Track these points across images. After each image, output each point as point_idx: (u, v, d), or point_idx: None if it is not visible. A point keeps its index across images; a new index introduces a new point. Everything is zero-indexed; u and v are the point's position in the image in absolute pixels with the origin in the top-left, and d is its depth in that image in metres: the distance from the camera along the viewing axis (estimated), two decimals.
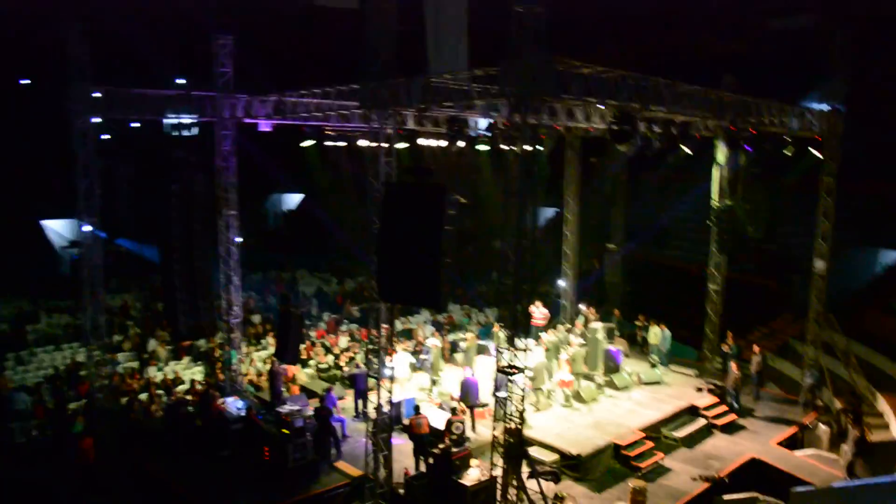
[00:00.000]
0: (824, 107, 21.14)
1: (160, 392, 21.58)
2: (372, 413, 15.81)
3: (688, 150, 18.51)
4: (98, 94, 17.64)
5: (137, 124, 20.45)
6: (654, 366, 23.49)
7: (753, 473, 17.67)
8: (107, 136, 20.25)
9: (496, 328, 24.16)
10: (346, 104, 17.55)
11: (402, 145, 19.17)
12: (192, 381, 22.54)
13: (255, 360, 24.35)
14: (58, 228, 35.81)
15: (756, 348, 22.75)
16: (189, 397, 20.84)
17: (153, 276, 30.21)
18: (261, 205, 45.73)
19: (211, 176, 20.25)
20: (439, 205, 13.45)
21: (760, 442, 19.20)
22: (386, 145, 15.53)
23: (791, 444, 19.66)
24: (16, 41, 29.13)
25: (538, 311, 24.30)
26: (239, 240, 20.99)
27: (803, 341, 23.22)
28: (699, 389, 21.69)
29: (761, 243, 25.71)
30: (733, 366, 21.26)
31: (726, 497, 15.80)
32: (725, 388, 21.27)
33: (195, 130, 20.28)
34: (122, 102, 18.05)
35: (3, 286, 28.58)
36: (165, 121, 19.32)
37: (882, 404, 21.43)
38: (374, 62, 14.72)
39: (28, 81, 34.69)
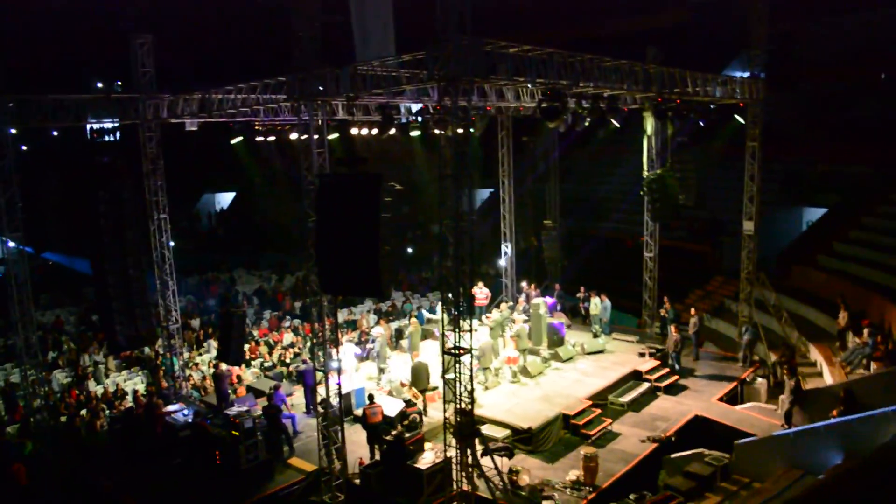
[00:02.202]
0: (745, 74, 21.76)
1: (103, 406, 21.06)
2: (321, 407, 15.75)
3: (616, 124, 18.84)
4: (10, 104, 16.99)
5: (56, 132, 19.79)
6: (596, 335, 23.93)
7: (698, 430, 18.23)
8: (25, 147, 19.55)
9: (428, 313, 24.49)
10: (274, 97, 17.31)
11: (333, 136, 19.03)
12: (135, 392, 22.08)
13: (198, 365, 23.96)
14: None
15: (692, 311, 23.39)
16: (133, 408, 20.40)
17: (86, 289, 29.46)
18: (192, 206, 44.93)
19: (139, 180, 19.78)
20: (375, 193, 13.39)
21: (703, 400, 19.77)
22: (317, 137, 15.36)
23: (732, 399, 20.33)
24: None
25: (480, 292, 24.49)
26: (172, 244, 20.58)
27: (737, 300, 24.00)
28: (641, 354, 22.19)
29: (693, 210, 26.39)
30: (672, 329, 21.82)
31: (674, 455, 16.36)
32: (666, 351, 21.83)
33: (118, 135, 19.70)
34: (38, 110, 17.41)
35: None
36: (88, 126, 18.71)
37: (814, 353, 22.30)
38: (300, 53, 14.54)
39: None
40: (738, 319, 23.63)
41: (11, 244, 17.36)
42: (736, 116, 21.83)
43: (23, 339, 17.60)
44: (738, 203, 22.92)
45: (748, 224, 22.50)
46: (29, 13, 22.64)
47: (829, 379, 20.28)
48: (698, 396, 20.09)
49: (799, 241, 31.39)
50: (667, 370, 21.31)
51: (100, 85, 24.36)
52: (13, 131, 17.40)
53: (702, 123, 20.88)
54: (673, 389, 20.59)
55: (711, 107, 20.65)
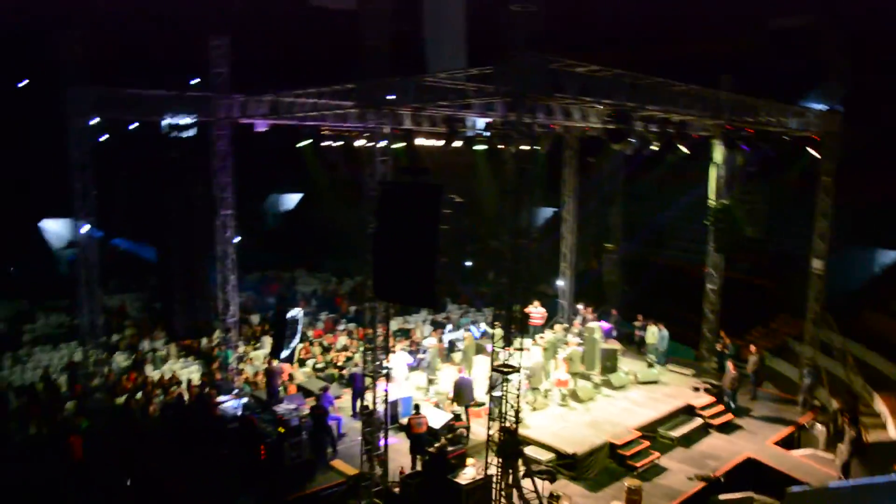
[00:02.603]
0: (822, 106, 21.16)
1: (157, 391, 21.58)
2: (367, 412, 15.82)
3: (685, 150, 18.51)
4: (94, 96, 17.63)
5: (134, 125, 20.42)
6: (651, 365, 23.49)
7: (749, 473, 17.67)
8: (105, 137, 20.22)
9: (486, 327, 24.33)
10: (343, 104, 17.54)
11: (398, 145, 19.21)
12: (189, 381, 22.55)
13: (252, 360, 24.35)
14: (56, 229, 35.84)
15: (753, 348, 22.75)
16: (186, 396, 20.85)
17: (151, 277, 30.24)
18: (258, 205, 45.74)
19: (208, 176, 20.28)
20: (435, 204, 13.45)
21: (757, 441, 19.19)
22: (382, 144, 15.52)
23: (787, 443, 19.66)
24: (14, 43, 29.18)
25: (536, 311, 24.32)
26: (237, 239, 21.00)
27: (801, 341, 23.22)
28: (696, 389, 21.67)
29: (759, 243, 25.74)
30: (730, 365, 21.27)
31: (722, 497, 15.84)
32: (722, 387, 21.25)
33: (193, 131, 20.22)
34: (118, 103, 18.02)
35: (2, 287, 28.62)
36: (163, 122, 19.25)
37: (879, 404, 21.42)
38: (370, 61, 14.72)
39: (25, 83, 34.72)
40: (800, 361, 22.83)
41: (84, 229, 17.98)
42: (810, 149, 21.20)
43: (88, 320, 18.19)
44: (808, 239, 22.18)
45: (817, 262, 21.80)
46: (115, 10, 23.55)
47: (893, 432, 19.46)
48: (752, 438, 19.50)
49: (871, 283, 30.21)
50: (721, 407, 20.76)
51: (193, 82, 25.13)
52: (94, 122, 18.04)
53: (773, 154, 20.33)
54: (726, 428, 20.05)
55: (785, 138, 20.12)
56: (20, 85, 34.37)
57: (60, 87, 17.37)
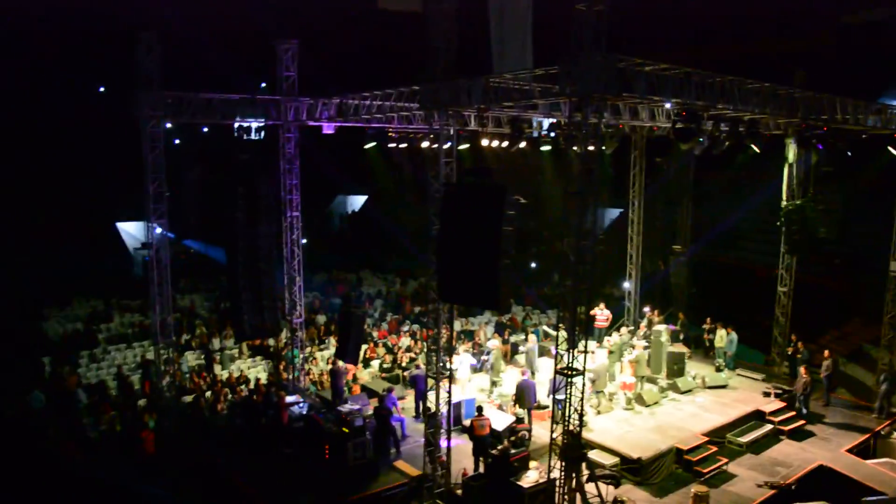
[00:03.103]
0: None
1: (226, 391, 22.08)
2: (430, 413, 15.87)
3: (756, 149, 18.03)
4: (167, 99, 18.11)
5: (207, 129, 20.91)
6: (719, 369, 22.99)
7: (822, 482, 17.11)
8: (178, 140, 20.76)
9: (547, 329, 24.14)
10: (408, 105, 17.65)
11: (463, 146, 19.21)
12: (257, 380, 23.00)
13: (317, 360, 24.69)
14: (131, 230, 37.03)
15: (826, 352, 22.03)
16: (252, 395, 21.27)
17: (220, 277, 30.94)
18: (325, 206, 46.45)
19: (276, 178, 20.65)
20: (499, 205, 13.40)
21: (830, 449, 18.59)
22: (447, 146, 15.56)
23: (863, 452, 18.99)
24: (90, 48, 30.24)
25: (601, 314, 24.05)
26: (304, 241, 21.33)
27: (876, 346, 22.41)
28: (766, 394, 21.11)
29: (834, 245, 24.91)
30: (802, 370, 20.64)
31: None
32: (794, 393, 20.66)
33: (262, 134, 20.62)
34: (189, 107, 18.46)
35: (79, 286, 29.65)
36: (235, 124, 19.68)
37: None
38: (435, 63, 14.78)
39: (103, 89, 36.00)
40: (876, 366, 22.04)
41: (158, 230, 18.48)
42: (889, 148, 20.40)
43: (160, 320, 18.70)
44: (885, 240, 21.41)
45: (894, 265, 21.01)
46: (185, 14, 24.19)
47: None
48: (825, 445, 18.90)
49: None
50: (793, 413, 20.19)
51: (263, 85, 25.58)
52: (168, 126, 18.53)
53: (849, 154, 19.65)
54: (798, 434, 19.48)
55: (862, 136, 19.42)
56: (101, 90, 35.70)
57: (134, 91, 17.87)
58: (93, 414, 20.53)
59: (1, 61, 31.49)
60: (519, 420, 17.79)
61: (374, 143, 20.98)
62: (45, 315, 27.23)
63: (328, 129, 20.72)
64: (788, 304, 23.08)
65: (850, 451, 18.58)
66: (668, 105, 16.29)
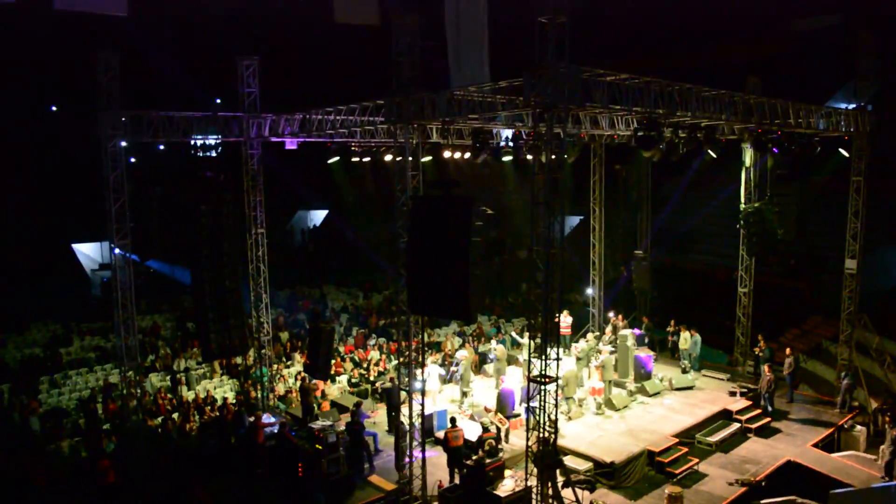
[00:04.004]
0: (851, 106, 20.97)
1: (194, 411, 21.75)
2: (403, 427, 15.85)
3: (713, 154, 18.44)
4: (126, 118, 17.89)
5: (162, 146, 20.64)
6: (685, 371, 23.34)
7: (791, 476, 17.49)
8: (134, 159, 20.47)
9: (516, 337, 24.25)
10: (371, 119, 17.68)
11: (427, 158, 19.27)
12: (225, 400, 22.71)
13: (285, 377, 24.48)
14: (89, 252, 36.33)
15: (788, 350, 22.51)
16: (222, 415, 20.99)
17: (184, 296, 30.54)
18: (287, 222, 46.15)
19: (239, 195, 20.46)
20: (466, 216, 13.48)
21: (796, 444, 18.98)
22: (411, 159, 15.62)
23: (828, 446, 19.43)
24: (46, 68, 29.71)
25: (563, 320, 24.23)
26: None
27: (836, 342, 22.95)
28: (732, 393, 21.49)
29: (791, 245, 25.48)
30: (766, 368, 21.07)
31: (764, 501, 15.71)
32: (759, 391, 21.07)
33: (219, 150, 20.45)
34: (150, 125, 18.26)
35: (37, 310, 29.02)
36: (195, 142, 19.48)
37: None
38: (398, 77, 14.85)
39: (55, 109, 35.35)
40: (836, 362, 22.56)
41: (118, 251, 18.20)
42: (840, 150, 21.01)
43: (123, 342, 18.39)
44: (841, 239, 21.95)
45: (850, 262, 21.56)
46: (143, 33, 23.93)
47: None
48: (792, 441, 19.30)
49: None
50: (759, 411, 20.60)
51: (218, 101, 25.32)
52: (124, 144, 18.28)
53: (803, 156, 20.17)
54: (765, 432, 19.86)
55: (814, 139, 19.96)
56: (53, 109, 35.03)
57: (93, 111, 17.62)
58: (52, 441, 20.02)
59: None
60: (485, 429, 17.83)
61: (337, 158, 20.95)
62: (2, 341, 26.59)
63: (290, 144, 20.65)
64: (749, 305, 23.54)
65: (815, 445, 19.00)
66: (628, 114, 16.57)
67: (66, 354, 26.19)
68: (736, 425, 19.89)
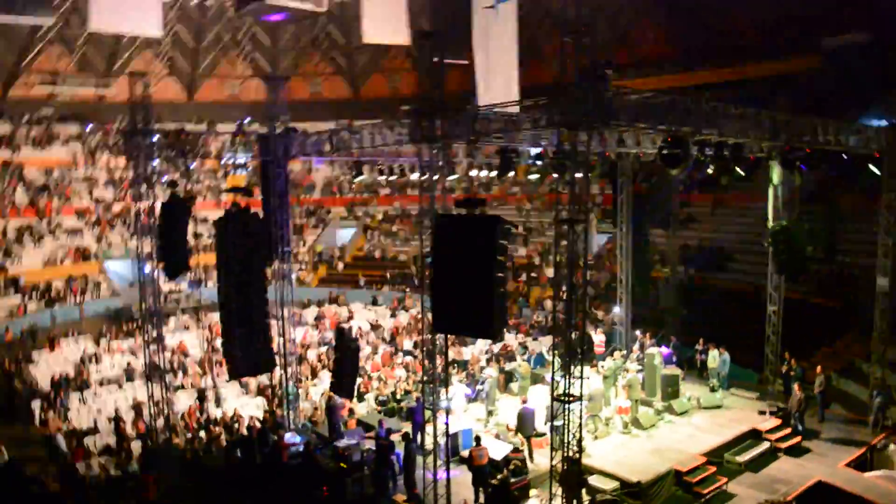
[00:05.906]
0: (882, 122, 20.72)
1: (219, 429, 21.87)
2: (429, 445, 15.82)
3: (741, 172, 18.27)
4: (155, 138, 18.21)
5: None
6: (713, 390, 23.04)
7: (822, 497, 17.11)
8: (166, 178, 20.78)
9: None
10: (399, 138, 17.77)
11: (453, 177, 19.34)
12: (251, 418, 22.82)
13: (311, 395, 24.56)
14: (118, 269, 36.83)
15: (819, 369, 22.16)
16: (248, 434, 21.08)
17: (210, 315, 30.85)
18: (315, 240, 46.46)
19: (267, 213, 20.67)
20: (492, 235, 13.51)
21: (828, 464, 18.62)
22: (437, 177, 15.68)
23: (860, 465, 19.01)
24: None
25: (596, 338, 24.10)
26: (295, 275, 21.31)
27: (868, 361, 22.56)
28: (762, 412, 21.18)
29: (821, 263, 25.18)
30: (796, 387, 20.77)
31: None
32: (789, 410, 20.75)
33: (250, 168, 20.68)
34: (180, 144, 18.55)
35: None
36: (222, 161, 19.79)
37: None
38: (423, 95, 14.95)
39: None
40: (869, 381, 22.18)
41: (147, 269, 18.45)
42: (871, 167, 20.74)
43: (151, 360, 18.59)
44: (874, 256, 21.63)
45: (882, 280, 21.21)
46: None
47: None
48: (823, 460, 18.96)
49: None
50: (789, 430, 20.25)
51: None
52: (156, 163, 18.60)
53: (833, 173, 19.94)
54: (795, 451, 19.54)
55: (844, 156, 19.73)
56: None
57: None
58: (79, 458, 20.19)
59: None
60: (515, 449, 17.75)
61: (363, 176, 21.09)
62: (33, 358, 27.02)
63: (318, 162, 20.84)
64: (779, 323, 23.22)
65: (847, 465, 18.60)
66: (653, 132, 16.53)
67: (97, 372, 26.52)
68: (766, 445, 19.57)
